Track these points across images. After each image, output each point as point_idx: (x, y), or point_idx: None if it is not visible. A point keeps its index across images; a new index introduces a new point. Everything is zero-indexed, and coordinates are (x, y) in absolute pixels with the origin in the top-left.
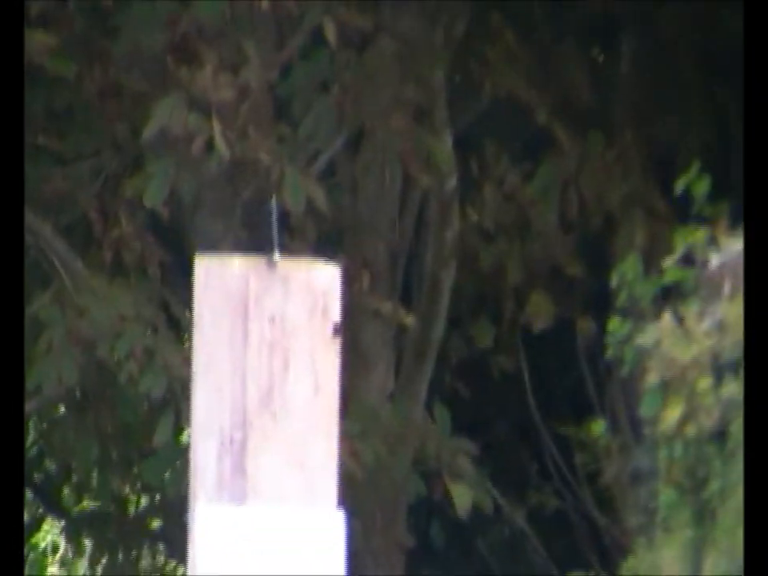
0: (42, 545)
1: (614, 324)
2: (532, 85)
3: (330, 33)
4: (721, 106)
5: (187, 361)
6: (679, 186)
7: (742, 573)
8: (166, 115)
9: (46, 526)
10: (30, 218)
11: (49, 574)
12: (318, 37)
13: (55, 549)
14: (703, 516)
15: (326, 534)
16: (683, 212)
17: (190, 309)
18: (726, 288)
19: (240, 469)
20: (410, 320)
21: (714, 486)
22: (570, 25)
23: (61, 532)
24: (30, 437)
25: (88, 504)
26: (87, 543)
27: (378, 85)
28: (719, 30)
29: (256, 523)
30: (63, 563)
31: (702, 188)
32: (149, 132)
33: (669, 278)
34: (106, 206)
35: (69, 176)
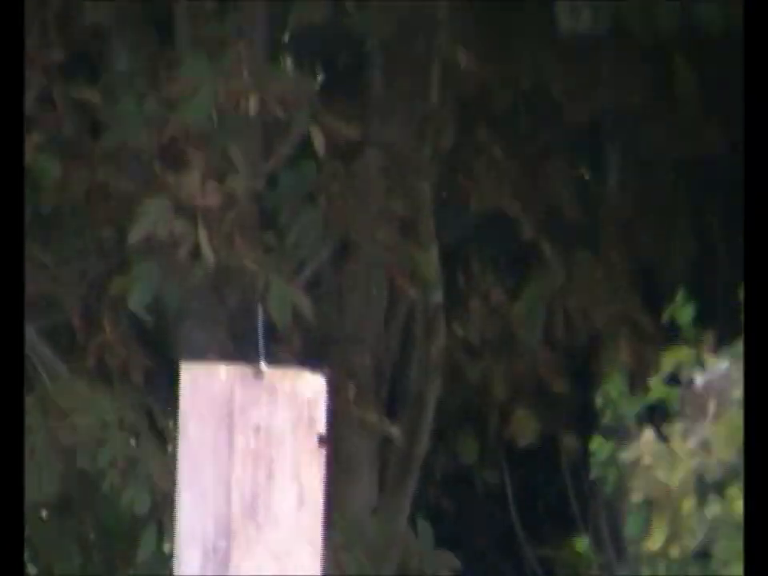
0: None
1: (597, 443)
2: (518, 199)
3: (318, 142)
4: (707, 224)
5: (170, 471)
6: (666, 314)
7: None
8: (152, 220)
9: None
10: None
11: None
12: (305, 146)
13: None
14: None
15: None
16: (669, 333)
17: (174, 417)
18: (711, 408)
19: None
20: (395, 431)
21: None
22: (557, 139)
23: None
24: None
25: None
26: None
27: (364, 196)
28: (703, 144)
29: None
30: None
31: (688, 315)
32: (135, 236)
33: (653, 395)
34: (91, 310)
35: (54, 278)
